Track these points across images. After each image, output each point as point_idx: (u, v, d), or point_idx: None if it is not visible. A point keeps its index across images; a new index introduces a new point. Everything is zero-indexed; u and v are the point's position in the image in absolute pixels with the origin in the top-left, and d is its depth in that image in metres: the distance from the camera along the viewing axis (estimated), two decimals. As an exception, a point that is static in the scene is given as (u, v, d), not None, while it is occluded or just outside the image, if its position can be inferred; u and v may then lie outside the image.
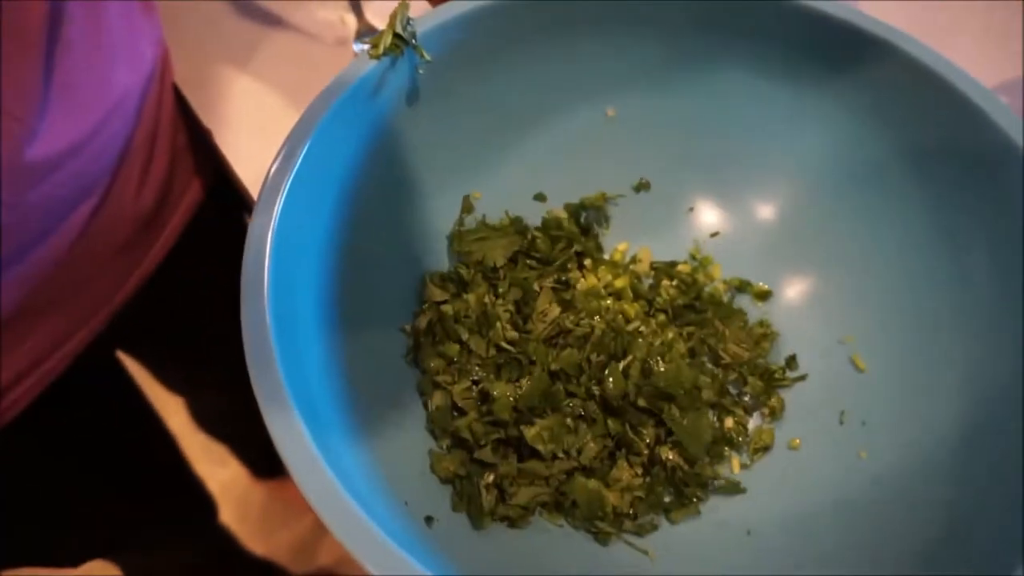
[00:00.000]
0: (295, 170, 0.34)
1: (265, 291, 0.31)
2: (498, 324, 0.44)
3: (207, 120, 0.52)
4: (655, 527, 0.41)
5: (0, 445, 0.48)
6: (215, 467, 1.10)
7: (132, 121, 0.46)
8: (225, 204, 0.62)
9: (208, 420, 0.96)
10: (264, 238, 0.32)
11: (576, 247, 0.48)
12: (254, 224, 0.32)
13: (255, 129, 0.52)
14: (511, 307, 0.45)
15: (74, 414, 0.56)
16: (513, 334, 0.44)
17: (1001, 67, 0.53)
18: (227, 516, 0.91)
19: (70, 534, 0.64)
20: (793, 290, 0.47)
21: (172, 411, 0.74)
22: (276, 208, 0.33)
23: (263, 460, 1.12)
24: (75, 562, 0.68)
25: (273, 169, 0.34)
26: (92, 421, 0.60)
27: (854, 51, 0.41)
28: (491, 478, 0.40)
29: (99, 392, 0.61)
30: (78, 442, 0.58)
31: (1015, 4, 0.55)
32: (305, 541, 1.13)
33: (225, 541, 0.94)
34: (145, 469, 0.70)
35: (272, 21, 0.59)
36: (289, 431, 0.28)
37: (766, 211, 0.48)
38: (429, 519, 0.37)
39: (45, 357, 0.47)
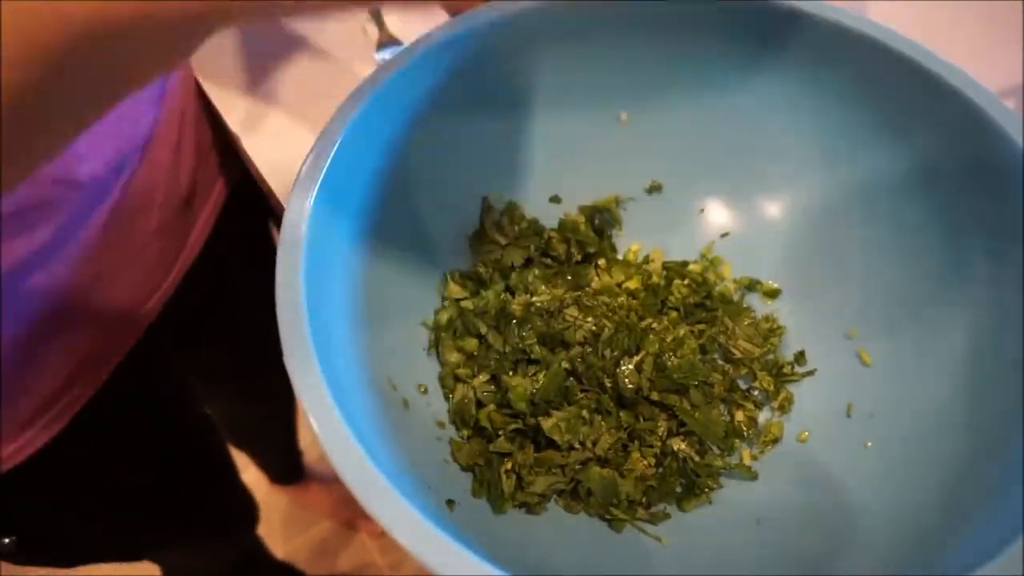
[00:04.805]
0: (327, 166, 0.36)
1: (301, 283, 0.33)
2: (513, 323, 0.46)
3: (234, 126, 0.55)
4: (667, 515, 0.42)
5: (51, 446, 0.50)
6: (236, 473, 1.12)
7: (153, 101, 0.47)
8: (245, 215, 0.64)
9: (229, 427, 0.99)
10: (299, 227, 0.34)
11: (591, 248, 0.50)
12: (288, 215, 0.34)
13: (280, 136, 0.55)
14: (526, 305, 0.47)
15: (123, 417, 0.58)
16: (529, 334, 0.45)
17: (1006, 70, 0.55)
18: (248, 520, 0.93)
19: (112, 534, 0.66)
20: (800, 286, 0.48)
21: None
22: (309, 202, 0.35)
23: (283, 466, 1.14)
24: (120, 557, 0.70)
25: (305, 166, 0.36)
26: (140, 424, 0.61)
27: (866, 60, 0.43)
28: (509, 464, 0.42)
29: (150, 396, 0.62)
30: (126, 445, 0.60)
31: (1016, 4, 0.56)
32: (324, 546, 1.14)
33: (248, 544, 0.95)
34: (187, 473, 0.71)
35: (296, 32, 0.61)
36: (326, 418, 0.29)
37: (774, 211, 0.50)
38: (451, 502, 0.39)
39: (104, 342, 0.49)
